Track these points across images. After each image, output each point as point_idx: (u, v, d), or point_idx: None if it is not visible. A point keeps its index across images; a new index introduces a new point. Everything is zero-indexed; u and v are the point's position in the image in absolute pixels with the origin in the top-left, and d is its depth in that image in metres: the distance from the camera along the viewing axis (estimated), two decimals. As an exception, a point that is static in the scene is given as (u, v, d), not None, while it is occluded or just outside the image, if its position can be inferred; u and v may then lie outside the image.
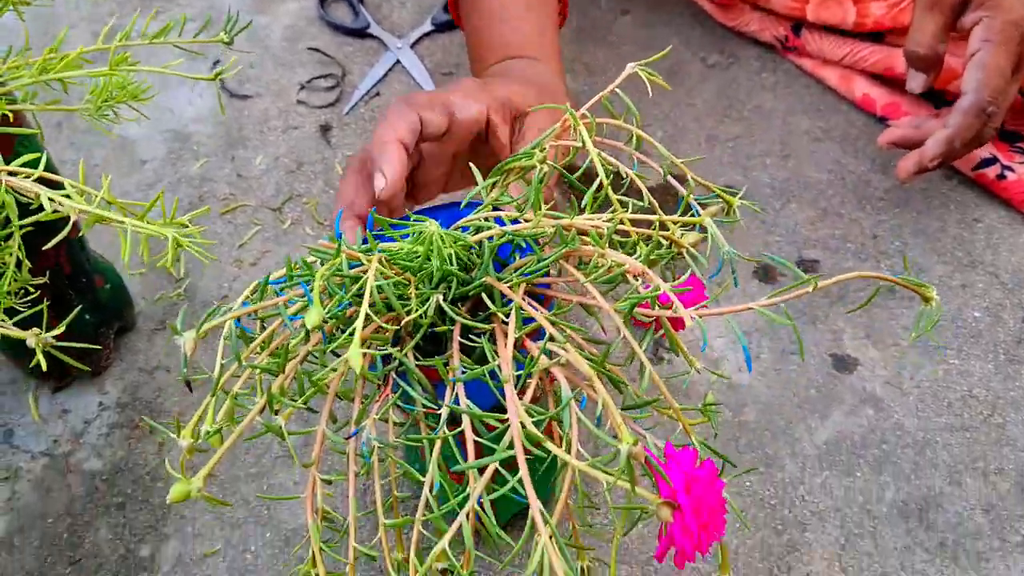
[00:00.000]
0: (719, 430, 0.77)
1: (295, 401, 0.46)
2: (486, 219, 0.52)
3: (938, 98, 0.94)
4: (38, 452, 0.79)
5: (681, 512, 0.41)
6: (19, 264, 0.61)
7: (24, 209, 0.57)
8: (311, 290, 0.43)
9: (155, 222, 0.53)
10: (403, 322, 0.48)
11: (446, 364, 0.48)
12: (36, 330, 0.57)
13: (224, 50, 1.11)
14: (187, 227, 0.52)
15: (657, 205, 0.52)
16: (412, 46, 1.10)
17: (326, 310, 0.46)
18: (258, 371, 0.47)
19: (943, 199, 0.92)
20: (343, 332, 0.49)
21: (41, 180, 0.56)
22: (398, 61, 1.08)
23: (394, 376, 0.49)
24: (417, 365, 0.49)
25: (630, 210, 0.50)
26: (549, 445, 0.42)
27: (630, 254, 0.47)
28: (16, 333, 0.57)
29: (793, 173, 0.95)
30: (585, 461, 0.42)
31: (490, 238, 0.51)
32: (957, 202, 0.91)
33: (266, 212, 0.95)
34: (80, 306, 0.78)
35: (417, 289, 0.49)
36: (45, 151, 0.61)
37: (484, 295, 0.50)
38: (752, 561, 0.70)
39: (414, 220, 0.51)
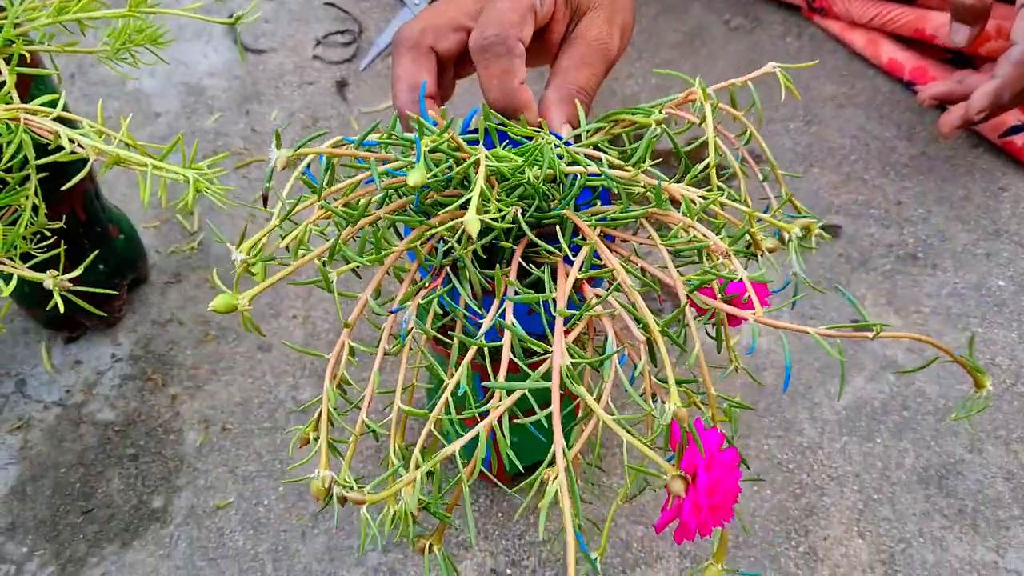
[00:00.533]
0: (745, 393, 0.76)
1: (361, 258, 0.46)
2: (587, 156, 0.52)
3: (968, 63, 0.92)
4: (51, 402, 0.79)
5: (695, 489, 0.41)
6: (35, 209, 0.60)
7: (41, 151, 0.56)
8: (422, 146, 0.43)
9: (174, 166, 0.52)
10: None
11: (492, 280, 0.48)
12: (53, 272, 0.56)
13: (241, 2, 1.09)
14: (205, 171, 0.52)
15: (749, 203, 0.52)
16: (430, 2, 1.08)
17: (431, 174, 0.45)
18: (332, 215, 0.46)
19: (968, 167, 0.90)
20: (416, 213, 0.49)
21: (59, 120, 0.55)
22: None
23: (449, 271, 0.49)
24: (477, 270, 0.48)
25: (724, 196, 0.50)
26: (580, 390, 0.42)
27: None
28: (33, 275, 0.57)
29: (816, 138, 0.94)
30: (613, 416, 0.41)
31: (588, 175, 0.50)
32: (983, 170, 0.90)
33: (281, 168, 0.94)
34: (95, 254, 0.77)
35: (498, 197, 0.48)
36: (63, 92, 0.60)
37: (558, 227, 0.49)
38: (769, 524, 0.70)
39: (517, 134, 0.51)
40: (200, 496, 0.73)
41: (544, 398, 0.43)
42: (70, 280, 0.57)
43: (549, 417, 0.42)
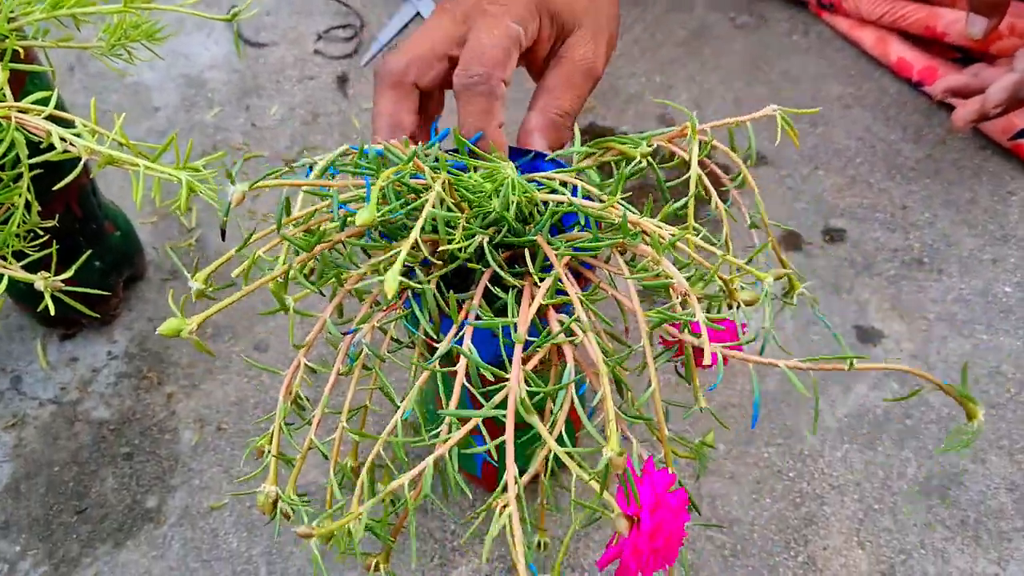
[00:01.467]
0: (744, 400, 0.76)
1: (313, 283, 0.47)
2: (563, 183, 0.51)
3: (977, 63, 0.91)
4: (46, 399, 0.78)
5: (638, 531, 0.40)
6: (28, 206, 0.60)
7: (35, 150, 0.55)
8: (372, 187, 0.43)
9: (168, 165, 0.51)
10: (440, 248, 0.47)
11: (460, 303, 0.47)
12: (44, 273, 0.55)
13: (241, -4, 1.08)
14: (200, 171, 0.51)
15: (730, 248, 0.51)
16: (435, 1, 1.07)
17: (380, 213, 0.45)
18: (286, 243, 0.46)
19: (976, 170, 0.89)
20: (380, 235, 0.49)
21: (52, 119, 0.54)
22: (418, 13, 1.05)
23: (409, 294, 0.49)
24: (435, 295, 0.48)
25: (700, 236, 0.49)
26: (534, 420, 0.41)
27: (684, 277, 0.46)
28: (24, 276, 0.56)
29: (822, 139, 0.93)
30: (565, 448, 0.41)
31: (558, 204, 0.49)
32: (990, 173, 0.89)
33: (280, 163, 0.93)
34: (90, 252, 0.76)
35: (467, 223, 0.47)
36: (56, 89, 0.59)
37: (528, 252, 0.48)
38: (768, 533, 0.69)
39: (494, 156, 0.50)
40: (194, 496, 0.72)
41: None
42: (64, 280, 0.57)
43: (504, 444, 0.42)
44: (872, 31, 0.97)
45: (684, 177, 0.49)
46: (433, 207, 0.44)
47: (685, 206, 0.48)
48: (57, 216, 0.71)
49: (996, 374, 0.76)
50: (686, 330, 0.47)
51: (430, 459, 0.41)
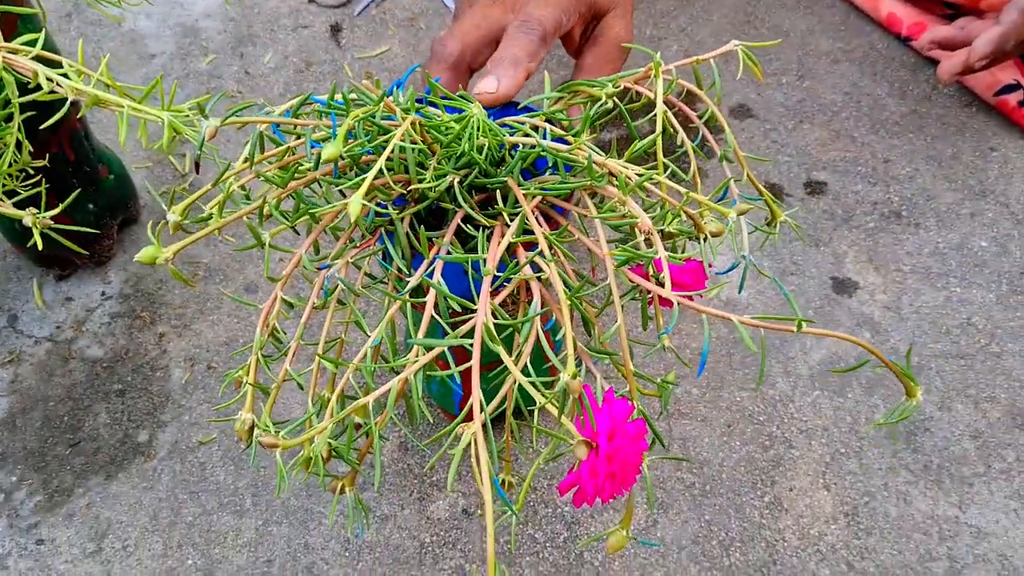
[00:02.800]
0: (719, 345, 0.77)
1: (288, 220, 0.48)
2: (534, 127, 0.53)
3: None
4: (41, 337, 0.80)
5: (596, 455, 0.42)
6: (19, 146, 0.61)
7: (25, 92, 0.57)
8: (339, 126, 0.44)
9: (151, 108, 0.53)
10: (411, 187, 0.49)
11: (431, 241, 0.49)
12: (33, 209, 0.57)
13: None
14: (183, 112, 0.52)
15: (699, 183, 0.52)
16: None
17: (346, 149, 0.47)
18: (261, 178, 0.48)
19: (959, 126, 0.90)
20: (356, 175, 0.51)
21: (41, 60, 0.56)
22: (412, -37, 1.06)
23: (383, 231, 0.50)
24: (407, 232, 0.50)
25: (667, 173, 0.50)
26: (499, 349, 0.43)
27: (651, 216, 0.47)
28: (13, 213, 0.58)
29: (808, 94, 0.93)
30: (529, 378, 0.43)
31: (528, 147, 0.51)
32: (974, 129, 0.89)
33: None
34: (82, 193, 0.78)
35: (438, 163, 0.49)
36: (45, 31, 0.60)
37: (499, 193, 0.50)
38: (736, 474, 0.71)
39: (462, 97, 0.52)
40: (184, 432, 0.75)
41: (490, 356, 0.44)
42: (56, 218, 0.58)
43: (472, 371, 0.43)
44: (864, -14, 0.97)
45: (652, 115, 0.50)
46: (401, 143, 0.46)
47: (653, 144, 0.49)
48: (48, 157, 0.73)
49: (968, 325, 0.78)
50: (650, 269, 0.49)
51: (395, 380, 0.43)
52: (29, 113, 0.60)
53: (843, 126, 0.91)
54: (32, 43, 0.56)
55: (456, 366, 0.46)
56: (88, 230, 0.59)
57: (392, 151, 0.45)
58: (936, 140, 0.89)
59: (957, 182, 0.86)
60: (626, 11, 0.67)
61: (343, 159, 0.50)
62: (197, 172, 0.48)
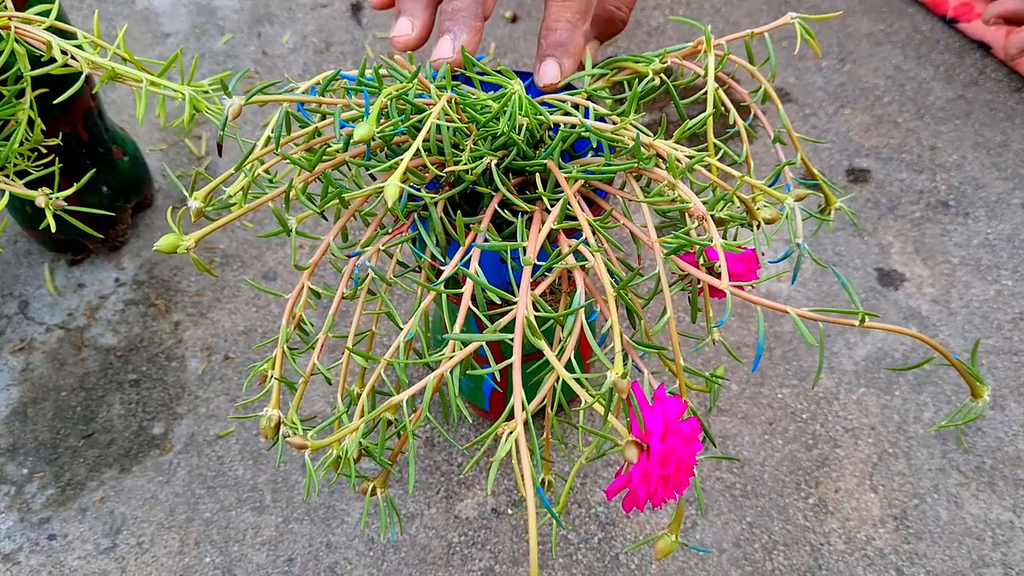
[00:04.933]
0: (756, 339, 0.74)
1: (315, 205, 0.45)
2: (574, 106, 0.49)
3: None
4: (53, 324, 0.78)
5: (648, 457, 0.39)
6: (32, 124, 0.58)
7: (37, 66, 0.54)
8: (371, 104, 0.41)
9: (171, 83, 0.50)
10: (447, 170, 0.45)
11: (468, 227, 0.45)
12: (46, 189, 0.54)
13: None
14: (204, 89, 0.49)
15: (751, 167, 0.49)
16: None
17: (379, 129, 0.43)
18: (286, 160, 0.45)
19: (1009, 112, 0.86)
20: (387, 156, 0.47)
21: (54, 31, 0.52)
22: (436, -60, 1.02)
23: (416, 217, 0.47)
24: (442, 217, 0.46)
25: (719, 156, 0.47)
26: (541, 344, 0.40)
27: (702, 201, 0.44)
28: (25, 192, 0.55)
29: (849, 77, 0.90)
30: (574, 375, 0.39)
31: (571, 126, 0.47)
32: (1023, 116, 0.86)
33: (292, 92, 0.91)
34: (96, 173, 0.75)
35: (475, 144, 0.46)
36: (59, 3, 0.57)
37: (538, 177, 0.47)
38: (779, 474, 0.68)
39: (502, 73, 0.48)
40: (201, 424, 0.72)
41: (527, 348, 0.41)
42: (68, 200, 0.55)
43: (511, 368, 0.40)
44: (906, -35, 0.93)
45: (701, 93, 0.47)
46: (437, 122, 0.43)
47: (703, 124, 0.46)
48: (61, 135, 0.70)
49: (1020, 320, 0.74)
50: (701, 258, 0.46)
51: (430, 377, 0.40)
52: (42, 89, 0.57)
53: (886, 111, 0.87)
54: (45, 13, 0.53)
55: (493, 359, 0.43)
56: (102, 212, 0.56)
57: (428, 131, 0.42)
58: (984, 127, 0.85)
59: (1007, 171, 0.82)
60: None
61: (375, 140, 0.47)
62: (220, 154, 0.44)
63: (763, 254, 0.49)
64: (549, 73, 0.52)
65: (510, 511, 0.67)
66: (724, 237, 0.46)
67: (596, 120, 0.49)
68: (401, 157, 0.39)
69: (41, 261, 0.81)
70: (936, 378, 0.72)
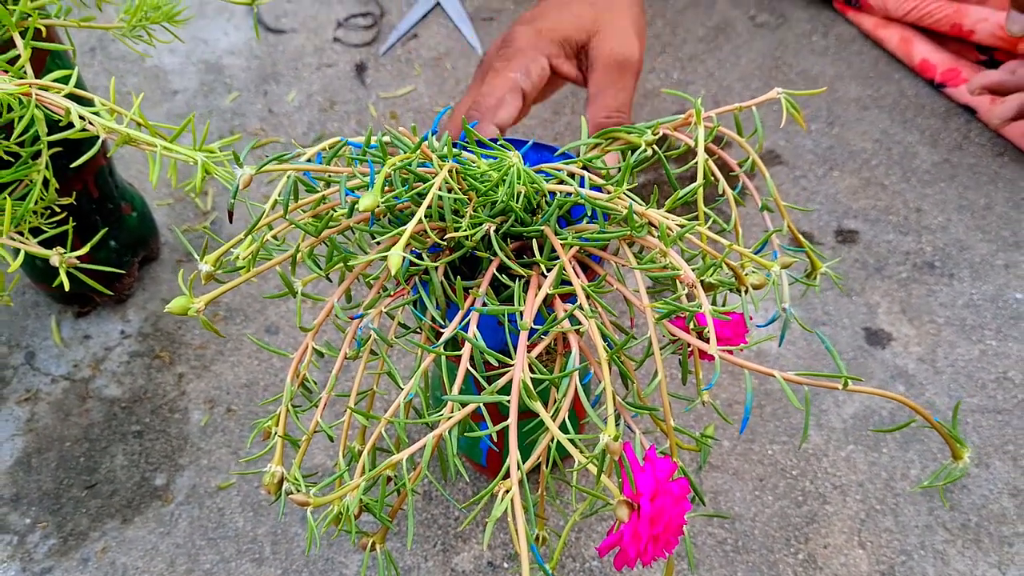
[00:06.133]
0: (751, 396, 0.76)
1: (320, 268, 0.47)
2: (570, 175, 0.52)
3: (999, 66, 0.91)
4: (58, 375, 0.79)
5: (638, 516, 0.40)
6: (46, 184, 0.60)
7: (54, 128, 0.56)
8: (376, 173, 0.43)
9: (185, 147, 0.52)
10: (448, 236, 0.48)
11: (467, 291, 0.47)
12: (60, 249, 0.56)
13: (262, -18, 1.09)
14: (215, 153, 0.51)
15: (739, 234, 0.51)
16: None
17: (383, 198, 0.46)
18: (294, 226, 0.47)
19: (992, 175, 0.89)
20: (390, 222, 0.49)
21: (71, 97, 0.55)
22: (438, 3, 1.06)
23: (417, 280, 0.49)
24: (442, 281, 0.49)
25: (709, 224, 0.49)
26: (536, 406, 0.42)
27: (692, 268, 0.46)
28: (39, 252, 0.57)
29: (838, 141, 0.92)
30: (568, 435, 0.41)
31: (566, 194, 0.50)
32: (1007, 179, 0.88)
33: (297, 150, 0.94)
34: (106, 231, 0.77)
35: (474, 211, 0.48)
36: (76, 67, 0.60)
37: (535, 242, 0.49)
38: (769, 530, 0.69)
39: (501, 145, 0.51)
40: (202, 476, 0.73)
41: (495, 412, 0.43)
42: (79, 257, 0.57)
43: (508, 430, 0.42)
44: (897, 30, 0.97)
45: (692, 163, 0.49)
46: (439, 192, 0.45)
47: (693, 194, 0.48)
48: (74, 194, 0.72)
49: (1004, 380, 0.76)
50: (691, 323, 0.47)
51: (429, 436, 0.42)
52: (56, 149, 0.60)
53: (873, 174, 0.90)
54: (64, 80, 0.56)
55: (490, 417, 0.45)
56: (111, 269, 0.58)
57: (431, 202, 0.44)
58: (968, 190, 0.88)
59: (991, 232, 0.85)
60: (616, 28, 0.68)
61: (379, 207, 0.49)
62: (231, 221, 0.46)
63: (751, 318, 0.51)
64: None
65: (506, 564, 0.68)
66: (713, 302, 0.49)
67: (591, 189, 0.51)
68: (404, 228, 0.41)
69: (48, 313, 0.83)
70: (923, 436, 0.73)
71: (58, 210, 0.61)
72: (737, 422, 0.73)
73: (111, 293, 0.67)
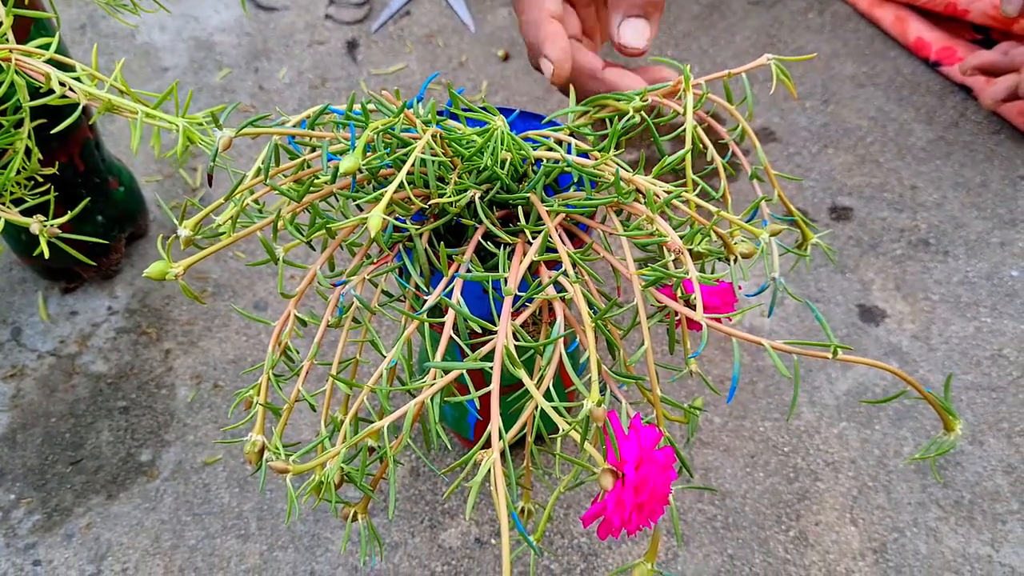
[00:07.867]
0: (742, 373, 0.75)
1: (302, 235, 0.46)
2: (558, 141, 0.51)
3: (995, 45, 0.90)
4: (45, 351, 0.78)
5: (623, 484, 0.39)
6: (29, 153, 0.60)
7: (36, 97, 0.55)
8: (357, 137, 0.42)
9: (166, 114, 0.51)
10: (432, 202, 0.47)
11: (451, 258, 0.47)
12: (40, 217, 0.55)
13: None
14: (198, 121, 0.51)
15: (729, 202, 0.50)
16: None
17: (364, 161, 0.45)
18: (275, 191, 0.46)
19: (988, 153, 0.88)
20: (374, 188, 0.49)
21: (53, 64, 0.54)
22: (431, -19, 1.05)
23: (401, 247, 0.48)
24: (426, 248, 0.48)
25: (697, 192, 0.48)
26: (521, 373, 0.41)
27: (679, 235, 0.45)
28: (20, 220, 0.56)
29: (832, 118, 0.91)
30: (552, 403, 0.40)
31: (553, 161, 0.49)
32: (1003, 157, 0.87)
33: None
34: (90, 202, 0.76)
35: (459, 178, 0.47)
36: (58, 34, 0.59)
37: (521, 210, 0.48)
38: (760, 507, 0.68)
39: (486, 109, 0.50)
40: (188, 452, 0.73)
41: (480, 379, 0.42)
42: (64, 228, 0.56)
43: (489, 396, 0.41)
44: (891, 9, 0.96)
45: (680, 130, 0.48)
46: (422, 155, 0.44)
47: (681, 160, 0.47)
48: (58, 165, 0.71)
49: (998, 357, 0.75)
50: (678, 291, 0.47)
51: (411, 404, 0.41)
52: (40, 120, 0.59)
53: (868, 151, 0.89)
54: (45, 46, 0.55)
55: (474, 388, 0.44)
56: (97, 240, 0.57)
57: (413, 164, 0.44)
58: (964, 167, 0.87)
59: (986, 210, 0.84)
60: None
61: (361, 172, 0.48)
62: (210, 185, 0.45)
63: (740, 288, 0.50)
64: (637, 34, 0.53)
65: (493, 541, 0.67)
66: (702, 271, 0.48)
67: (578, 156, 0.50)
68: (385, 189, 0.40)
69: (35, 289, 0.82)
70: (916, 412, 0.73)
71: (41, 180, 0.60)
72: (768, 369, 0.72)
73: (94, 264, 0.66)
